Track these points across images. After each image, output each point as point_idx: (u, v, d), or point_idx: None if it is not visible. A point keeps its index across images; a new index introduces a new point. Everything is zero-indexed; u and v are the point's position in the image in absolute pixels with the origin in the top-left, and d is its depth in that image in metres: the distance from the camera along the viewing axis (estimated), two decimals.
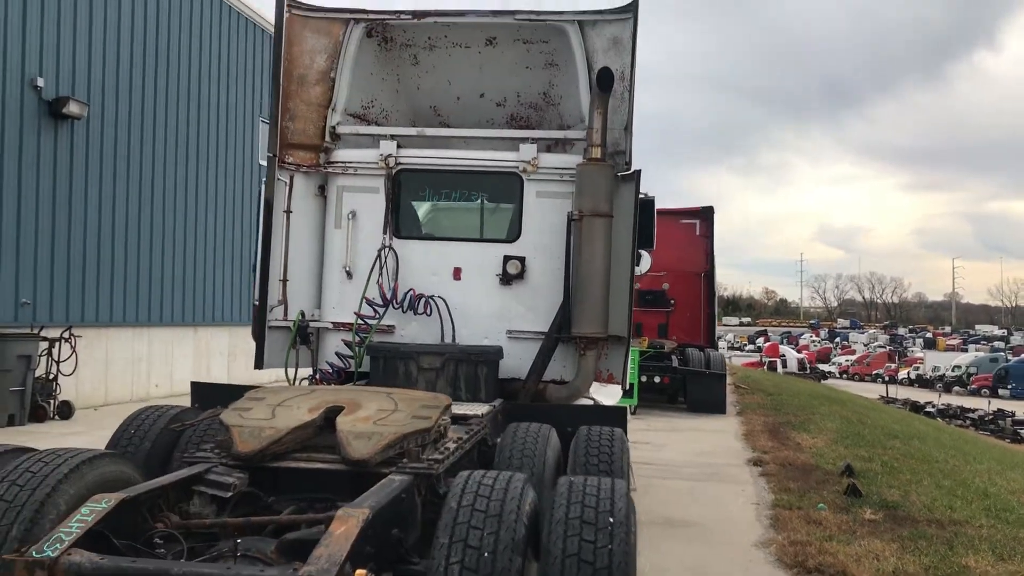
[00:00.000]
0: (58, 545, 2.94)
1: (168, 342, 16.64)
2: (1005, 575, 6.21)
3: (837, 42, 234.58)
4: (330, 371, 7.08)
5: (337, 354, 7.06)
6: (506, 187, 7.19)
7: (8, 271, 12.75)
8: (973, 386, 58.84)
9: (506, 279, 7.03)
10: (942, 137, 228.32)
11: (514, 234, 7.13)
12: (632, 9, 6.83)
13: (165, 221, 16.42)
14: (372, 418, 4.28)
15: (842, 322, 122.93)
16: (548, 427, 5.16)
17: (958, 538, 7.17)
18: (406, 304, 6.95)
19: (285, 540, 3.51)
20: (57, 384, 12.99)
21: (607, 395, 7.59)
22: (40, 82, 13.16)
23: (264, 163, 19.77)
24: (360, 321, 6.95)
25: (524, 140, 7.15)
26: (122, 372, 15.30)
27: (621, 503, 3.29)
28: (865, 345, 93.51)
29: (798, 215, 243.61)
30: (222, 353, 18.39)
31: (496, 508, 3.25)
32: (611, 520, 3.19)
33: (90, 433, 11.46)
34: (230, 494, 3.86)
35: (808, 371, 64.00)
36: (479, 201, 7.50)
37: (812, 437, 12.91)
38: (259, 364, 7.16)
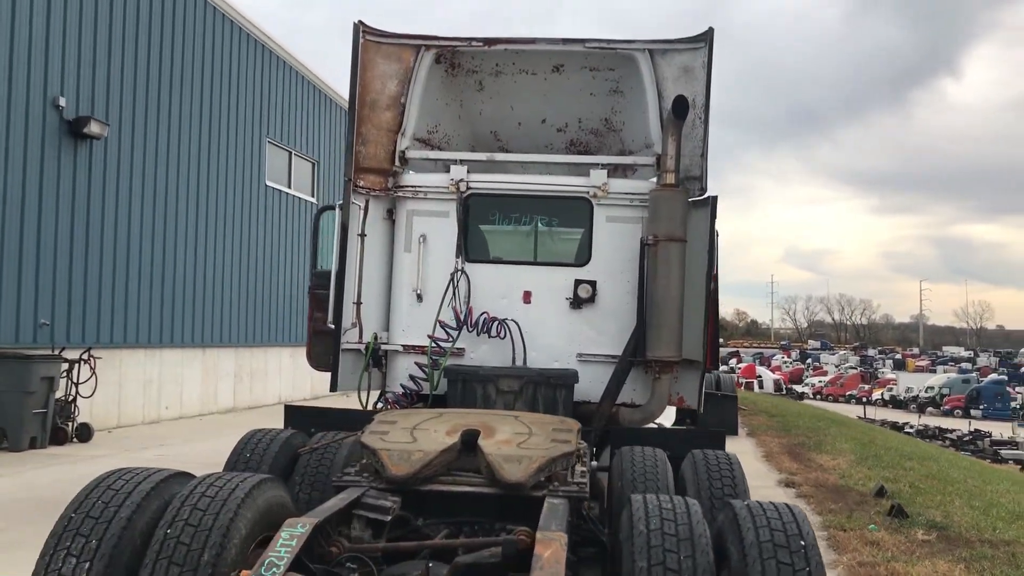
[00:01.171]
0: (275, 570, 2.96)
1: (177, 364, 16.48)
2: None
3: (807, 69, 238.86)
4: (402, 393, 7.11)
5: (411, 376, 7.08)
6: (576, 212, 7.29)
7: (28, 291, 12.61)
8: (946, 407, 59.81)
9: (576, 303, 7.11)
10: (908, 162, 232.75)
11: (584, 258, 7.23)
12: (705, 39, 7.00)
13: (177, 241, 16.31)
14: (513, 441, 4.33)
15: (812, 343, 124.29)
16: (660, 451, 5.23)
17: (1016, 558, 7.33)
18: (480, 327, 7.01)
19: (459, 564, 3.54)
20: (76, 406, 12.81)
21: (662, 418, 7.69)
22: (62, 101, 13.08)
23: (272, 184, 19.95)
24: (434, 344, 6.99)
25: (594, 165, 7.26)
26: (135, 394, 15.11)
27: (806, 526, 3.37)
28: (836, 366, 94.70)
29: (767, 238, 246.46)
30: (229, 375, 18.24)
31: (686, 532, 3.32)
32: (803, 543, 3.27)
33: (116, 455, 11.32)
34: (389, 517, 3.88)
35: (784, 392, 64.71)
36: (548, 225, 7.59)
37: (833, 458, 13.08)
38: (334, 387, 7.18)
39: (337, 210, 7.29)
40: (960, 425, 46.55)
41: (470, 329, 7.03)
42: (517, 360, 7.09)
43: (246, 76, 18.82)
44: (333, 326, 7.17)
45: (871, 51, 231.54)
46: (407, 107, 7.33)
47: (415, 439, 4.34)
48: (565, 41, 7.32)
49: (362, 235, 7.20)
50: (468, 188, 7.24)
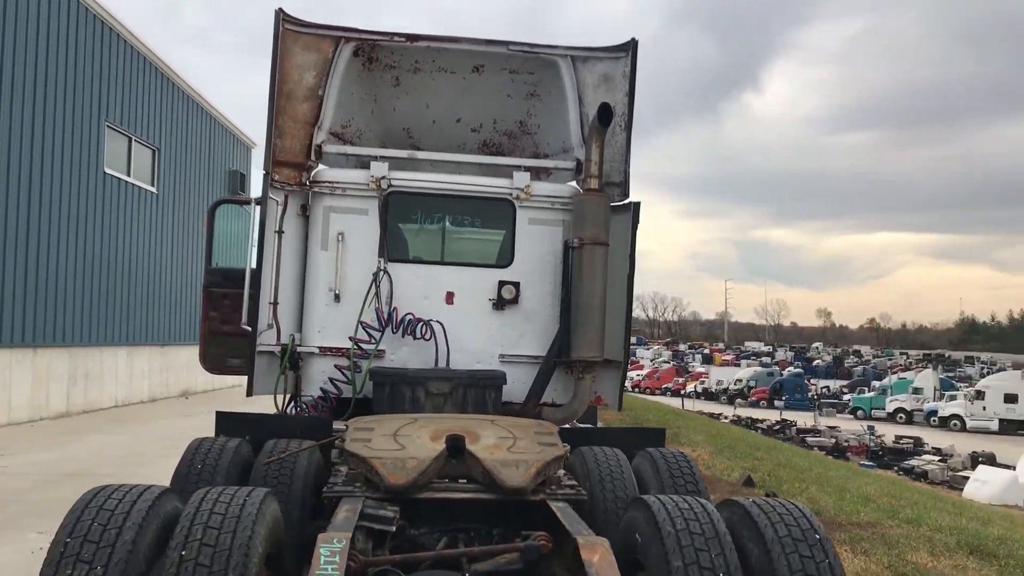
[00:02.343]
0: None
1: (4, 366, 15.07)
2: (949, 568, 7.08)
3: None
4: (320, 397, 6.87)
5: (331, 380, 6.86)
6: (498, 213, 7.30)
7: None
8: (753, 398, 64.28)
9: (500, 304, 7.13)
10: (714, 169, 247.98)
11: (506, 259, 7.26)
12: (626, 49, 7.20)
13: (7, 232, 14.91)
14: (502, 446, 4.31)
15: None
16: (618, 450, 5.35)
17: (887, 538, 8.05)
18: (405, 328, 6.90)
19: (478, 572, 3.52)
20: None
21: None
22: None
23: (111, 172, 18.60)
24: (356, 346, 6.81)
25: (516, 168, 7.31)
26: None
27: (815, 520, 3.58)
28: (651, 361, 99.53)
29: None
30: (62, 377, 16.85)
31: (711, 531, 3.44)
32: (817, 537, 3.47)
33: None
34: (393, 528, 3.78)
35: None
36: (470, 226, 7.56)
37: (693, 450, 13.78)
38: (250, 391, 6.83)
39: (253, 205, 6.94)
40: (766, 415, 50.24)
41: (395, 330, 6.90)
42: (440, 362, 7.03)
43: (83, 53, 17.44)
44: (248, 327, 6.82)
45: (684, 62, 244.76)
46: (325, 100, 7.09)
47: (403, 446, 4.24)
48: (489, 42, 7.31)
49: (280, 232, 6.90)
50: (390, 186, 7.10)
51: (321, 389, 6.87)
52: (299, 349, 6.95)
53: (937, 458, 31.71)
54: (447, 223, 7.47)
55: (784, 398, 62.54)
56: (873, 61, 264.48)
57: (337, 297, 6.99)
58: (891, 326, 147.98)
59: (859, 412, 55.10)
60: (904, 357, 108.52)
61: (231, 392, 25.48)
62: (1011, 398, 46.75)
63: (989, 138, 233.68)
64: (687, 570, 3.28)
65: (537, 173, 7.72)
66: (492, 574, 3.51)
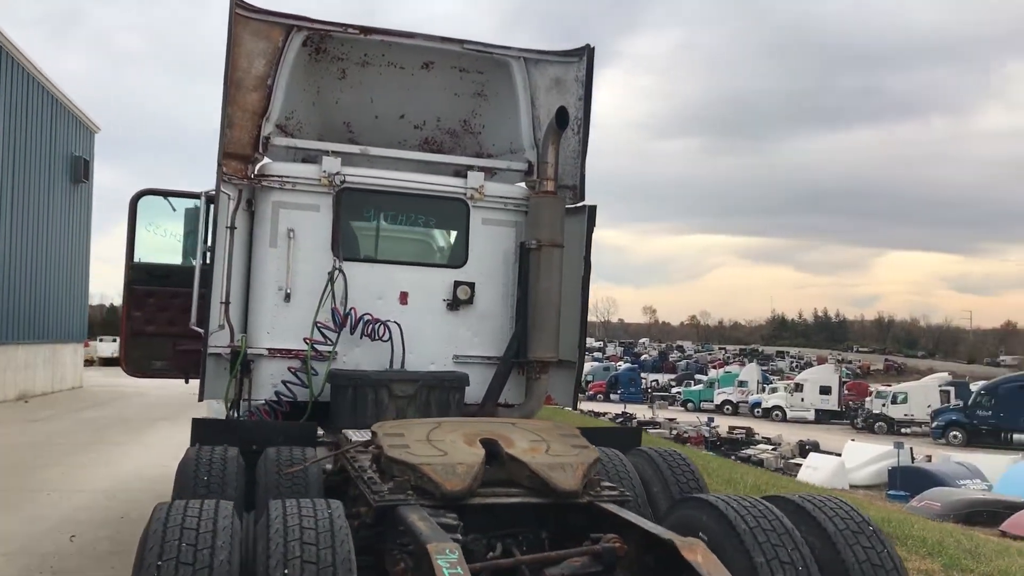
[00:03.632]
0: None
1: None
2: None
3: None
4: (275, 401, 6.58)
5: (285, 383, 6.58)
6: (452, 212, 7.24)
7: None
8: (591, 392, 66.36)
9: (454, 304, 7.08)
10: None
11: (460, 260, 7.21)
12: (580, 54, 7.31)
13: None
14: (539, 450, 4.32)
15: None
16: (616, 450, 5.45)
17: None
18: (362, 329, 6.72)
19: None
20: None
21: None
22: None
23: None
24: (312, 348, 6.57)
25: (470, 167, 7.27)
26: None
27: (865, 513, 3.83)
28: None
29: None
30: None
31: (780, 527, 3.61)
32: (871, 528, 3.72)
33: None
34: (460, 536, 3.71)
35: None
36: (424, 225, 7.44)
37: None
38: (202, 395, 6.45)
39: (203, 199, 6.55)
40: (606, 408, 52.01)
41: (352, 331, 6.71)
42: (395, 363, 6.90)
43: None
44: (199, 328, 6.44)
45: None
46: (274, 90, 6.78)
47: (445, 452, 4.16)
48: (443, 39, 7.22)
49: (231, 228, 6.55)
50: (343, 182, 6.88)
51: (276, 393, 6.59)
52: (250, 351, 6.63)
53: (770, 447, 33.96)
54: (401, 222, 7.33)
55: (620, 391, 64.98)
56: (691, 71, 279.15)
57: (288, 296, 6.72)
58: (710, 323, 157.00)
59: (689, 404, 58.08)
60: (723, 352, 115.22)
61: (71, 395, 23.71)
62: (826, 390, 50.78)
63: (792, 149, 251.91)
64: (770, 565, 3.43)
65: (488, 174, 7.72)
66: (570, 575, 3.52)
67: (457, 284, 7.05)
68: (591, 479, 4.24)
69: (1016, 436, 38.88)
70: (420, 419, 5.14)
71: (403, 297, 7.02)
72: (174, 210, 7.97)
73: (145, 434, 15.34)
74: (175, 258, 7.97)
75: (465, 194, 7.16)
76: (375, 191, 7.03)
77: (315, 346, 6.61)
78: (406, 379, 6.51)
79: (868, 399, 49.87)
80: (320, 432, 6.05)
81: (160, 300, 7.60)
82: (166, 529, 3.05)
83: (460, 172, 7.40)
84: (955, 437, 39.33)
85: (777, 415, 50.70)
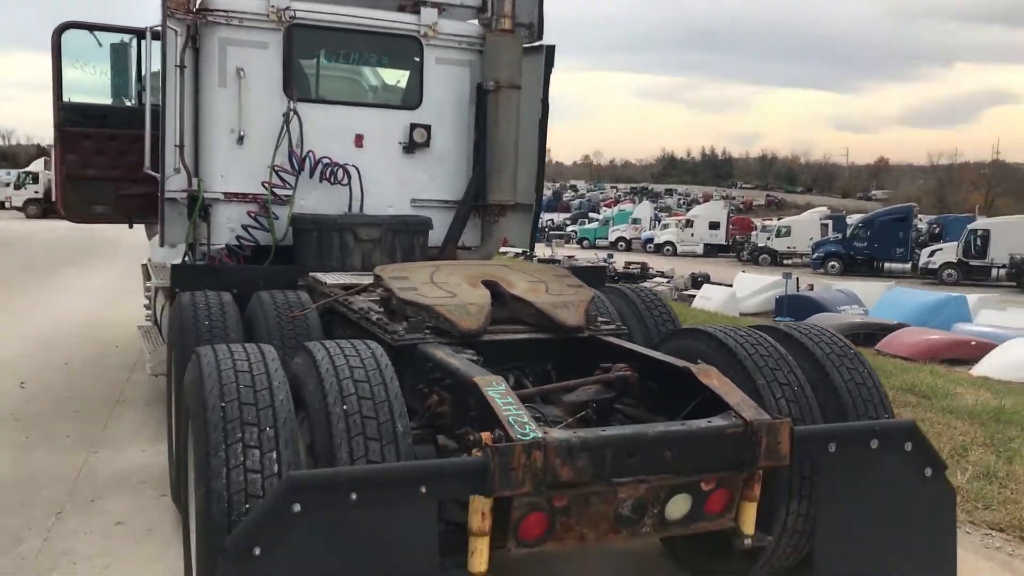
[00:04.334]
0: (529, 427, 2.98)
1: None
2: None
3: None
4: (237, 246, 6.51)
5: (246, 227, 6.50)
6: (405, 51, 7.05)
7: None
8: None
9: (410, 147, 7.02)
10: None
11: (414, 101, 7.08)
12: None
13: None
14: (540, 290, 4.50)
15: None
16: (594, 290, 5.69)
17: None
18: (321, 173, 6.63)
19: (573, 402, 3.81)
20: None
21: None
22: None
23: None
24: (270, 191, 6.47)
25: (423, 2, 7.04)
26: None
27: (843, 338, 4.21)
28: None
29: None
30: None
31: (776, 353, 3.94)
32: (852, 351, 4.11)
33: None
34: None
35: None
36: (377, 64, 7.22)
37: None
38: (163, 241, 6.32)
39: (148, 36, 6.16)
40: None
41: (311, 175, 6.62)
42: (354, 207, 6.88)
43: None
44: (154, 172, 6.23)
45: None
46: None
47: (453, 294, 4.30)
48: None
49: (181, 67, 6.22)
50: (293, 18, 6.57)
51: (237, 238, 6.51)
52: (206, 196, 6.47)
53: (664, 280, 35.47)
54: (353, 61, 7.10)
55: None
56: None
57: (241, 139, 6.52)
58: (602, 162, 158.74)
59: (584, 242, 59.46)
60: (614, 191, 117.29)
61: None
62: (714, 225, 52.81)
63: None
64: (770, 387, 3.77)
65: (438, 9, 7.47)
66: (586, 403, 3.78)
67: (413, 127, 6.97)
68: (590, 315, 4.47)
69: (887, 265, 41.80)
70: (419, 263, 5.22)
71: (358, 140, 6.91)
72: (100, 45, 7.47)
73: (55, 280, 14.85)
74: (108, 98, 7.55)
75: (418, 31, 6.96)
76: (326, 28, 6.75)
77: (274, 190, 6.51)
78: (371, 223, 6.52)
79: (754, 233, 52.19)
80: None
81: (97, 143, 7.24)
82: (220, 372, 3.12)
83: (407, 7, 7.15)
84: (833, 267, 41.91)
85: (668, 250, 52.58)
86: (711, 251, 51.82)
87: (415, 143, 6.99)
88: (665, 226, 56.75)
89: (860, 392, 3.91)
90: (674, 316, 5.58)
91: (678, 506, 3.25)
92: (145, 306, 8.59)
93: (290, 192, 6.58)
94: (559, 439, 2.94)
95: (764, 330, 4.26)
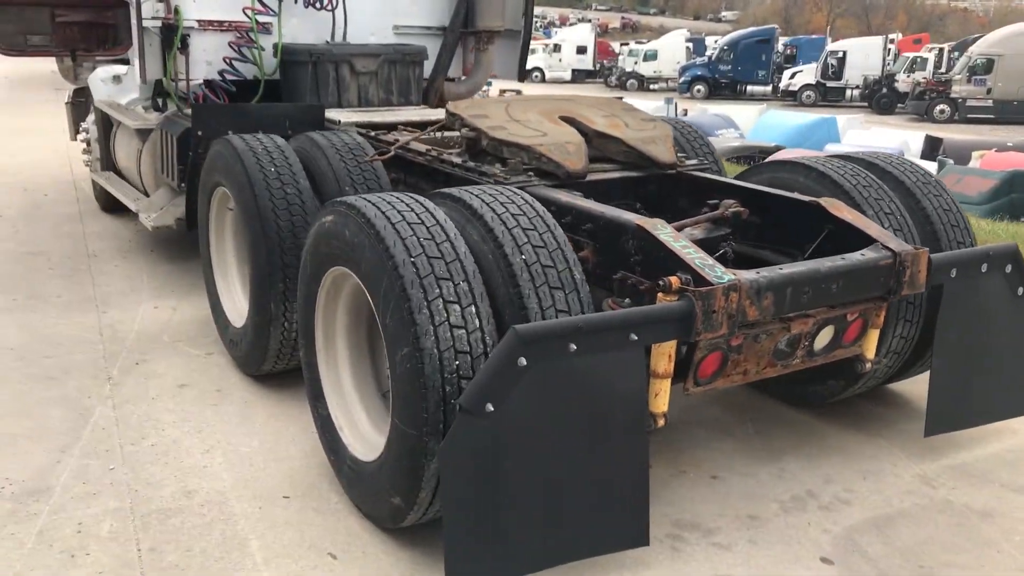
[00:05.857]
0: (719, 269, 2.97)
1: None
2: None
3: None
4: (219, 81, 5.94)
5: (227, 59, 5.91)
6: None
7: None
8: None
9: None
10: None
11: None
12: None
13: None
14: (621, 125, 4.36)
15: None
16: None
17: None
18: None
19: (693, 236, 3.81)
20: None
21: None
22: None
23: None
24: (254, 18, 5.87)
25: None
26: None
27: (919, 165, 4.34)
28: None
29: None
30: None
31: (874, 181, 4.04)
32: (934, 179, 4.24)
33: None
34: None
35: None
36: None
37: None
38: (144, 76, 5.68)
39: None
40: None
41: (295, 0, 6.03)
42: (337, 36, 6.36)
43: None
44: None
45: None
46: None
47: (544, 132, 4.10)
48: None
49: None
50: None
51: (219, 72, 5.93)
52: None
53: None
54: None
55: None
56: None
57: None
58: None
59: None
60: None
61: None
62: (582, 50, 52.29)
63: None
64: (878, 217, 3.86)
65: None
66: (704, 240, 3.77)
67: None
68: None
69: (750, 88, 43.03)
70: (488, 99, 4.90)
71: None
72: None
73: None
74: None
75: None
76: None
77: (258, 19, 5.91)
78: (368, 53, 6.07)
79: (621, 57, 52.07)
80: None
81: None
82: (395, 225, 2.90)
83: None
84: (699, 91, 42.71)
85: (536, 76, 51.93)
86: (579, 76, 51.58)
87: None
88: (532, 51, 55.70)
89: (948, 218, 4.08)
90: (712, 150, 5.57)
91: (823, 337, 3.37)
92: (84, 151, 7.80)
93: (273, 19, 6.00)
94: (749, 280, 2.96)
95: (851, 160, 4.31)
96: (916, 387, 4.37)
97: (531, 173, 3.92)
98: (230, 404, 4.20)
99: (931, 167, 15.03)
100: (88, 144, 7.64)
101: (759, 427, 4.12)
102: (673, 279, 2.93)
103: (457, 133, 4.54)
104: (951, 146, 20.36)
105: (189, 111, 5.85)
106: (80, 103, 8.14)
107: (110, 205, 7.66)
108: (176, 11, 5.67)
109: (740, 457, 3.83)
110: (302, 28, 6.24)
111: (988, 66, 32.23)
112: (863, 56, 38.85)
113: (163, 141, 5.63)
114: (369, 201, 3.07)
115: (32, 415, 4.02)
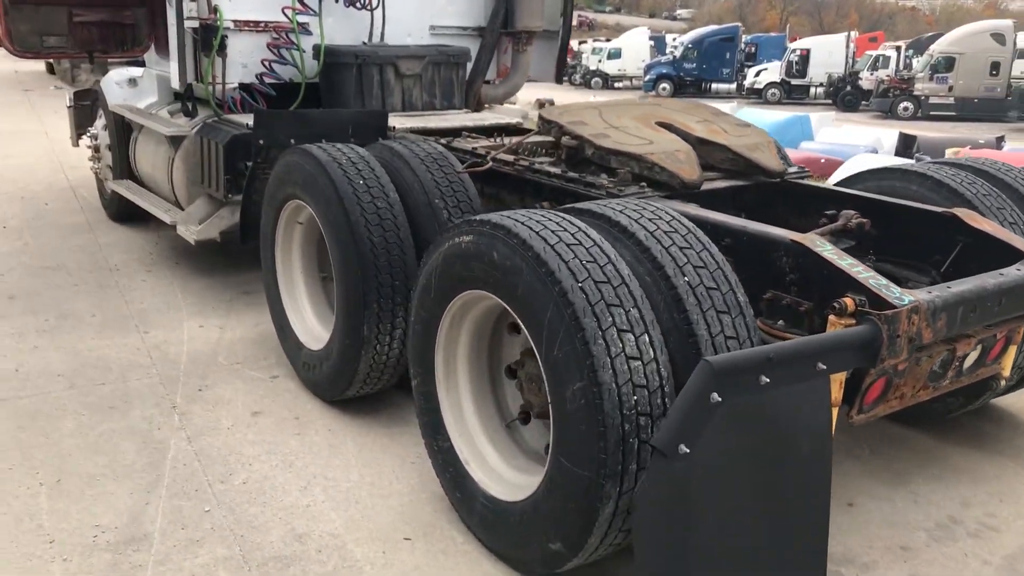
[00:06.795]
0: (896, 289, 2.78)
1: None
2: None
3: None
4: (256, 85, 5.62)
5: (265, 62, 5.59)
6: None
7: None
8: None
9: None
10: None
11: None
12: None
13: None
14: (720, 131, 4.16)
15: None
16: None
17: None
18: None
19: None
20: None
21: None
22: None
23: None
24: (294, 18, 5.56)
25: None
26: None
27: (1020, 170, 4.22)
28: None
29: None
30: None
31: (994, 190, 3.90)
32: None
33: None
34: None
35: None
36: None
37: None
38: (184, 78, 5.34)
39: None
40: None
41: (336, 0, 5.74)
42: (375, 37, 6.07)
43: None
44: None
45: None
46: None
47: (650, 140, 3.88)
48: None
49: None
50: None
51: (257, 76, 5.61)
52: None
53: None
54: None
55: None
56: None
57: None
58: None
59: None
60: None
61: None
62: None
63: None
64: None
65: None
66: None
67: None
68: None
69: (714, 86, 43.22)
70: (578, 104, 4.65)
71: None
72: None
73: None
74: None
75: None
76: None
77: (298, 20, 5.61)
78: (412, 55, 5.82)
79: (584, 56, 51.93)
80: None
81: None
82: (553, 247, 2.66)
83: None
84: (664, 89, 42.71)
85: None
86: None
87: None
88: None
89: None
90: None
91: (972, 356, 3.21)
92: (91, 157, 7.37)
93: (313, 19, 5.70)
94: (927, 300, 2.77)
95: (961, 167, 4.15)
96: (1016, 400, 4.25)
97: (643, 183, 3.70)
98: (315, 434, 3.91)
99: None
100: (97, 151, 7.22)
101: (874, 447, 3.95)
102: (848, 300, 2.74)
103: (538, 140, 4.32)
104: (924, 144, 20.60)
105: (226, 116, 5.55)
106: (83, 107, 7.71)
107: (121, 214, 7.26)
108: (217, 11, 5.34)
109: (868, 481, 3.66)
110: (338, 28, 5.95)
111: (949, 64, 32.71)
112: (826, 54, 39.21)
113: (204, 149, 5.29)
114: (517, 220, 2.82)
115: (103, 450, 3.70)
